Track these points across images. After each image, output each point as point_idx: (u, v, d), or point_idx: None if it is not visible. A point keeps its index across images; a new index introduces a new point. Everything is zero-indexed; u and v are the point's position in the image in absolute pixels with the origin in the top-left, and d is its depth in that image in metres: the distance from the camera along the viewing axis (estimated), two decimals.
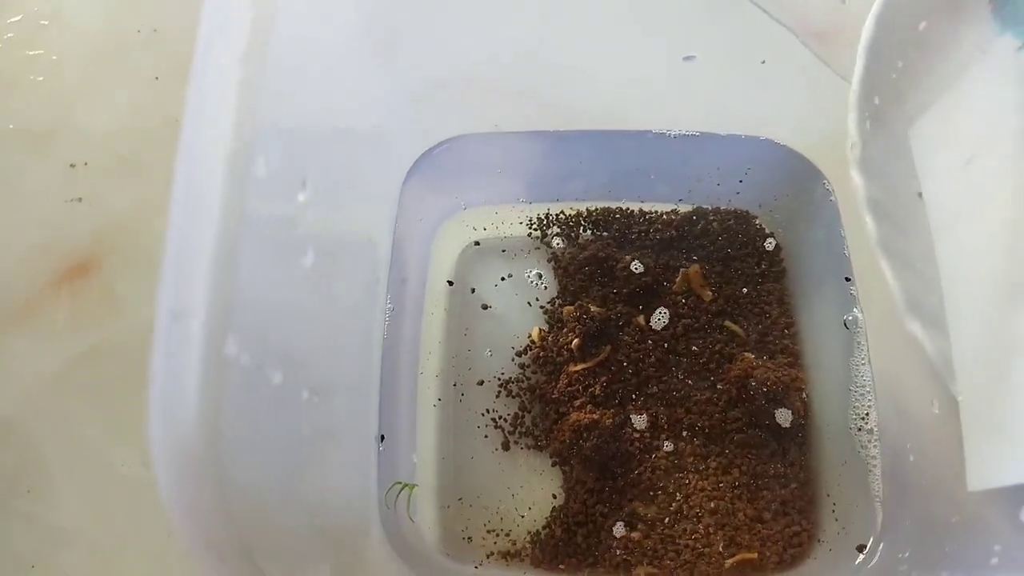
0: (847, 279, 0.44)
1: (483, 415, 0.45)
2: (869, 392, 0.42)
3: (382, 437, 0.41)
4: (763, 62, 0.43)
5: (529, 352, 0.46)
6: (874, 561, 0.39)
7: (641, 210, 0.49)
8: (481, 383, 0.45)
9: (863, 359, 0.43)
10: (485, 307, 0.47)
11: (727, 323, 0.46)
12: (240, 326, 0.25)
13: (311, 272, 0.32)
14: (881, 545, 0.39)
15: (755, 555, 0.40)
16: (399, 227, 0.45)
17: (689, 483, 0.42)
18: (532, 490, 0.43)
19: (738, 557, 0.40)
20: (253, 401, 0.27)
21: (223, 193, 0.24)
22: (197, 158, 0.24)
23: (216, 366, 0.23)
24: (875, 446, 0.41)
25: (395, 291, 0.44)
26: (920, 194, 0.37)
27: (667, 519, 0.41)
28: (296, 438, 0.31)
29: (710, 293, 0.46)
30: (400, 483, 0.41)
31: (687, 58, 0.43)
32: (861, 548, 0.39)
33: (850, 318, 0.44)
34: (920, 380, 0.37)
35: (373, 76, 0.42)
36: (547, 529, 0.42)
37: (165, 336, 0.22)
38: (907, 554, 0.37)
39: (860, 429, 0.42)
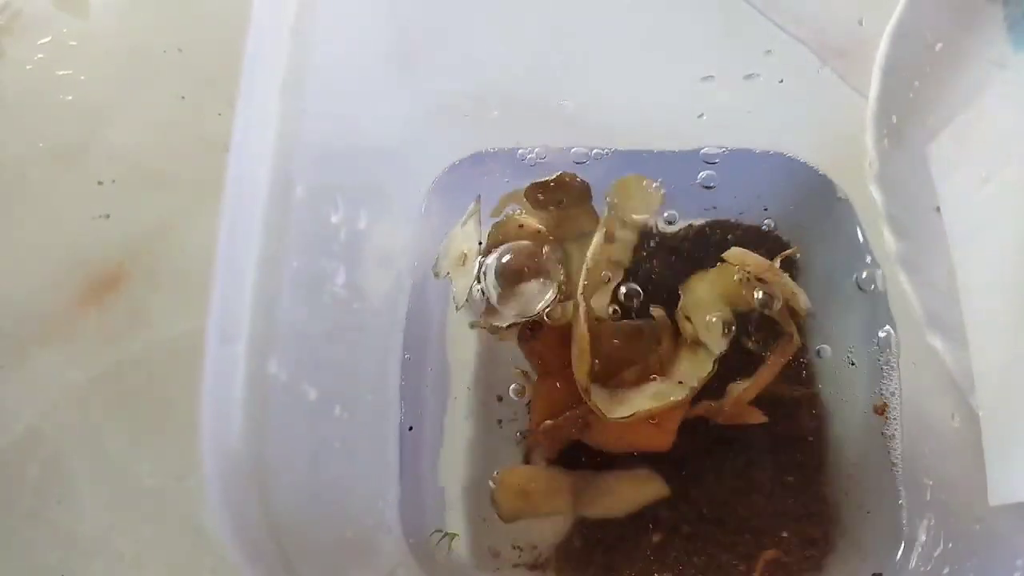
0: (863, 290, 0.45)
1: (506, 429, 0.45)
2: (891, 405, 0.43)
3: (410, 447, 0.42)
4: (781, 81, 0.44)
5: None
6: (896, 575, 0.39)
7: (658, 226, 0.49)
8: (500, 399, 0.46)
9: (884, 372, 0.43)
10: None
11: (742, 339, 0.46)
12: (280, 345, 0.26)
13: (342, 290, 0.33)
14: (902, 558, 0.39)
15: (777, 562, 0.40)
16: (422, 243, 0.46)
17: (710, 490, 0.42)
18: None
19: (761, 562, 0.40)
20: (291, 416, 0.28)
21: (266, 220, 0.25)
22: (243, 188, 0.25)
23: (259, 384, 0.24)
24: (896, 459, 0.42)
25: (418, 308, 0.45)
26: (938, 209, 0.38)
27: (688, 525, 0.42)
28: (329, 451, 0.32)
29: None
30: (439, 531, 0.41)
31: (706, 78, 0.44)
32: (883, 562, 0.40)
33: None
34: (941, 394, 0.37)
35: (398, 96, 0.43)
36: (571, 540, 0.42)
37: (214, 358, 0.23)
38: (929, 567, 0.37)
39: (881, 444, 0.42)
